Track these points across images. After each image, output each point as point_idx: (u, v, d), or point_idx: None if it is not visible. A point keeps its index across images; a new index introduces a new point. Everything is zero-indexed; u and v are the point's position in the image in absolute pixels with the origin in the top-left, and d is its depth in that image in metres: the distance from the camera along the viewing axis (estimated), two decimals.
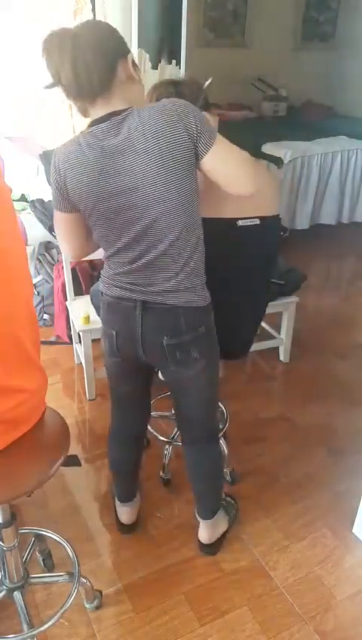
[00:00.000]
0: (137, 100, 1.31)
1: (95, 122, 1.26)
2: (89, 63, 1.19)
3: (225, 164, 1.29)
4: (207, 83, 1.56)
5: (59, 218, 1.41)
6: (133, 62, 1.28)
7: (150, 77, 3.00)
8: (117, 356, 1.52)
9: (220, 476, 1.78)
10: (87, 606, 1.63)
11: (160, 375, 1.71)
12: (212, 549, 1.80)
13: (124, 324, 1.43)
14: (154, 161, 1.21)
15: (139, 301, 1.38)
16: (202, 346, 1.44)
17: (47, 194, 3.50)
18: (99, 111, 1.26)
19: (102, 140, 1.24)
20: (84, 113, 1.30)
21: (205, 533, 1.79)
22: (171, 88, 1.56)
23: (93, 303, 2.21)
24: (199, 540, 1.81)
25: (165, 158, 1.21)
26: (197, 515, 1.78)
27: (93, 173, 1.25)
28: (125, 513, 1.85)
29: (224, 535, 1.84)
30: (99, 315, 2.19)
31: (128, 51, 1.28)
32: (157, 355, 1.44)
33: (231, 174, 1.30)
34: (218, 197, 1.39)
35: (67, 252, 1.49)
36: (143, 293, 1.37)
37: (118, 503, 1.87)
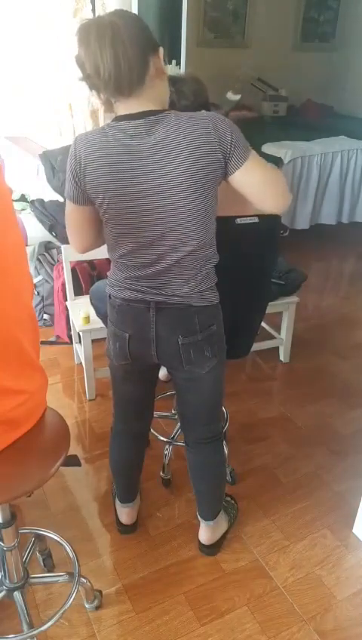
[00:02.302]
0: (164, 97, 1.28)
1: (125, 117, 1.22)
2: (130, 56, 1.16)
3: (258, 181, 1.28)
4: (237, 98, 1.54)
5: (72, 210, 1.36)
6: (163, 56, 1.25)
7: None
8: (127, 359, 1.48)
9: (224, 477, 1.78)
10: (87, 606, 1.63)
11: (160, 375, 1.71)
12: (212, 549, 1.80)
13: (137, 326, 1.41)
14: (183, 170, 1.19)
15: (153, 302, 1.36)
16: (214, 345, 1.44)
17: (47, 194, 3.50)
18: (131, 107, 1.22)
19: (132, 137, 1.20)
20: (109, 107, 1.26)
21: (206, 534, 1.79)
22: (171, 86, 1.55)
23: (92, 303, 2.21)
24: (199, 541, 1.81)
25: (195, 169, 1.20)
26: (198, 516, 1.78)
27: (116, 169, 1.21)
28: (125, 513, 1.85)
29: (224, 535, 1.84)
30: (98, 316, 2.20)
31: (159, 45, 1.24)
32: (171, 355, 1.43)
33: (263, 191, 1.30)
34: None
35: (74, 245, 1.45)
36: (156, 294, 1.36)
37: (118, 503, 1.86)
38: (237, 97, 1.54)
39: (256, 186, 1.29)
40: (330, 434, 2.38)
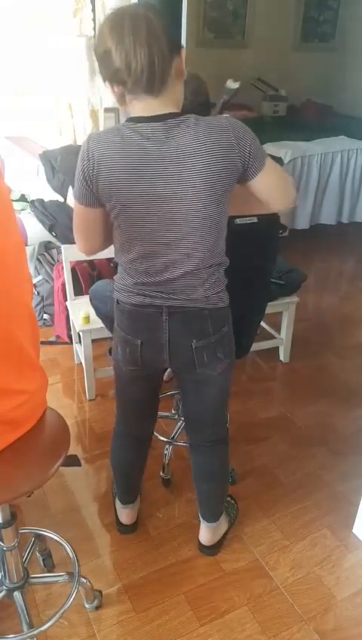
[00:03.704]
0: (180, 99, 1.25)
1: (144, 119, 1.17)
2: (165, 55, 1.12)
3: (272, 186, 1.30)
4: (236, 86, 1.51)
5: (80, 212, 1.30)
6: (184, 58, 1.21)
7: None
8: (137, 365, 1.46)
9: (227, 478, 1.78)
10: (87, 606, 1.63)
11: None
12: (212, 549, 1.80)
13: (150, 332, 1.38)
14: (200, 176, 1.17)
15: (165, 307, 1.34)
16: (225, 346, 1.44)
17: (47, 194, 3.50)
18: (151, 107, 1.17)
19: (149, 139, 1.16)
20: (122, 102, 1.20)
21: (207, 535, 1.79)
22: None
23: (92, 303, 2.21)
24: (199, 541, 1.81)
25: (212, 176, 1.18)
26: (199, 517, 1.77)
27: (132, 172, 1.17)
28: (125, 514, 1.85)
29: (224, 535, 1.84)
30: (98, 316, 2.20)
31: (182, 46, 1.20)
32: (184, 359, 1.41)
33: (276, 194, 1.33)
34: None
35: (81, 248, 1.40)
36: (167, 299, 1.34)
37: (118, 504, 1.86)
38: (236, 85, 1.52)
39: (271, 190, 1.31)
40: (330, 434, 2.38)
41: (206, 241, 1.27)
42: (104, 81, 1.20)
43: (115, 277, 1.44)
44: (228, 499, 1.94)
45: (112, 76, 1.16)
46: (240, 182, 1.26)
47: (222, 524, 1.82)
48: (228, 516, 1.88)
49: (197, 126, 1.17)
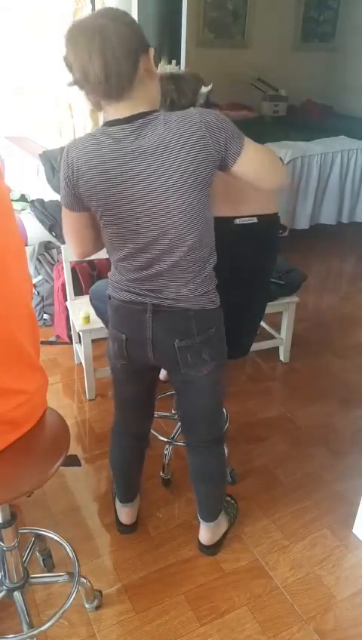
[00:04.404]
0: (155, 97, 1.26)
1: (115, 122, 1.20)
2: (120, 61, 1.13)
3: (257, 165, 1.29)
4: (207, 89, 1.54)
5: (68, 216, 1.35)
6: (153, 57, 1.22)
7: None
8: (125, 360, 1.49)
9: (224, 478, 1.78)
10: (87, 606, 1.63)
11: (160, 376, 1.70)
12: (212, 549, 1.80)
13: (134, 327, 1.41)
14: (174, 169, 1.18)
15: (150, 304, 1.36)
16: (213, 348, 1.43)
17: (47, 194, 3.50)
18: (120, 110, 1.20)
19: (121, 141, 1.19)
20: (99, 108, 1.24)
21: (206, 535, 1.79)
22: (171, 84, 1.54)
23: (92, 303, 2.21)
24: (199, 541, 1.81)
25: (187, 170, 1.18)
26: (198, 517, 1.78)
27: (107, 175, 1.20)
28: (125, 513, 1.85)
29: (224, 535, 1.84)
30: (98, 316, 2.20)
31: (149, 45, 1.21)
32: (168, 357, 1.43)
33: (263, 173, 1.31)
34: (214, 196, 1.39)
35: (73, 251, 1.45)
36: (154, 297, 1.36)
37: (118, 503, 1.86)
38: (207, 88, 1.52)
39: (257, 169, 1.30)
40: (330, 434, 2.38)
41: (187, 235, 1.27)
42: (80, 90, 1.23)
43: (108, 274, 1.46)
44: (228, 499, 1.94)
45: (79, 86, 1.20)
46: (222, 169, 1.26)
47: (222, 524, 1.82)
48: (228, 516, 1.88)
49: (166, 122, 1.18)
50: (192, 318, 1.37)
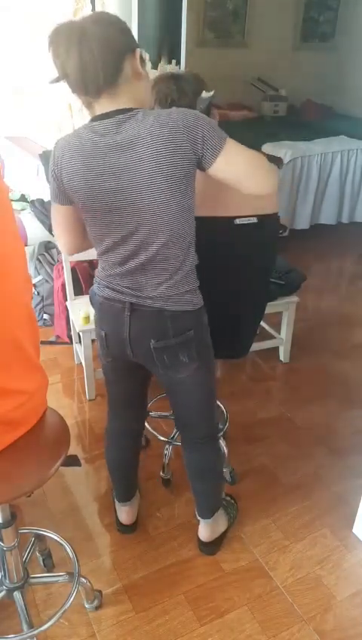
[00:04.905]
0: (143, 97, 1.29)
1: (98, 117, 1.24)
2: (96, 58, 1.16)
3: (237, 168, 1.26)
4: (209, 95, 1.53)
5: (55, 210, 1.40)
6: (141, 57, 1.25)
7: (150, 77, 3.00)
8: (108, 356, 1.53)
9: (218, 476, 1.78)
10: (87, 606, 1.63)
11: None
12: (211, 548, 1.80)
13: (113, 325, 1.43)
14: (151, 166, 1.20)
15: (128, 303, 1.38)
16: (191, 350, 1.42)
17: (47, 194, 3.50)
18: (104, 107, 1.23)
19: (103, 135, 1.22)
20: (89, 107, 1.28)
21: (205, 531, 1.79)
22: (171, 84, 1.54)
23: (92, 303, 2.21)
24: (199, 539, 1.81)
25: (163, 165, 1.20)
26: (196, 514, 1.78)
27: (87, 168, 1.24)
28: (125, 513, 1.85)
29: (224, 535, 1.84)
30: None
31: (136, 46, 1.24)
32: (146, 357, 1.44)
33: (243, 175, 1.27)
34: (214, 196, 1.39)
35: (61, 246, 1.48)
36: (133, 296, 1.37)
37: (117, 502, 1.86)
38: (210, 94, 1.52)
39: (236, 174, 1.26)
40: (330, 434, 2.38)
41: (161, 230, 1.27)
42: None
43: (95, 271, 1.49)
44: (228, 498, 1.94)
45: (67, 85, 1.24)
46: (201, 168, 1.26)
47: (221, 522, 1.82)
48: (228, 515, 1.88)
49: (145, 119, 1.21)
50: (168, 319, 1.37)
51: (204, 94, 1.52)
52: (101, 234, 1.33)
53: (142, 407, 1.75)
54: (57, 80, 1.24)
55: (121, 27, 1.23)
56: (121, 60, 1.20)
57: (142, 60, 1.26)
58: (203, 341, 1.46)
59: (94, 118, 1.25)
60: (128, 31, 1.24)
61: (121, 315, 1.40)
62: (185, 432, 1.66)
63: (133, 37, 1.25)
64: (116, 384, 1.65)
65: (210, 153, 1.22)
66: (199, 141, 1.20)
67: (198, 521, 1.79)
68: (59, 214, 1.40)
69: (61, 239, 1.46)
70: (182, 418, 1.62)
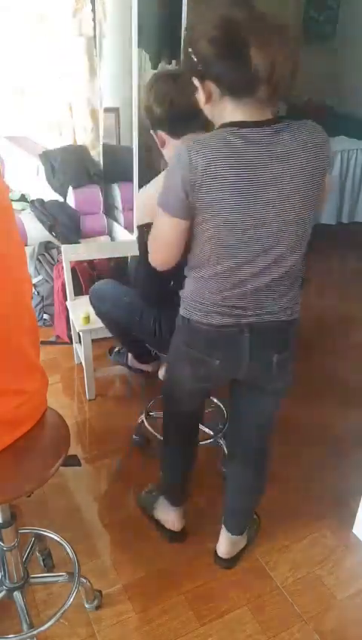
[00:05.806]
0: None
1: (249, 124, 1.13)
2: (297, 63, 1.08)
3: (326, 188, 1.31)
4: None
5: (170, 224, 1.21)
6: None
7: (150, 77, 3.00)
8: (209, 381, 1.47)
9: (263, 491, 1.72)
10: (87, 606, 1.63)
11: (159, 375, 1.70)
12: (230, 563, 1.76)
13: (230, 351, 1.34)
14: (303, 179, 1.16)
15: (245, 324, 1.29)
16: (292, 357, 1.42)
17: (47, 194, 3.50)
18: (253, 111, 1.13)
19: (257, 143, 1.12)
20: (210, 101, 1.16)
21: (227, 547, 1.73)
22: (171, 83, 1.53)
23: (92, 303, 2.21)
24: (216, 553, 1.76)
25: (311, 179, 1.17)
26: (224, 529, 1.72)
27: (241, 178, 1.11)
28: (178, 518, 1.81)
29: (243, 550, 1.79)
30: (98, 315, 2.20)
31: None
32: (261, 374, 1.40)
33: (326, 196, 1.37)
34: None
35: (160, 261, 1.31)
36: (252, 315, 1.29)
37: (167, 509, 1.81)
38: None
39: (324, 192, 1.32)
40: (330, 434, 2.38)
41: (298, 248, 1.25)
42: (202, 79, 1.14)
43: (181, 292, 1.36)
44: (254, 516, 1.89)
45: (244, 79, 1.08)
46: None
47: (244, 539, 1.78)
48: (250, 531, 1.82)
49: (297, 130, 1.16)
50: (288, 330, 1.35)
51: None
52: (229, 253, 1.20)
53: (202, 414, 1.74)
54: (252, 78, 1.07)
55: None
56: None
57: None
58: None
59: (240, 124, 1.12)
60: None
61: (238, 338, 1.31)
62: (246, 446, 1.62)
63: None
64: (192, 403, 1.60)
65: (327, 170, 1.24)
66: (328, 157, 1.21)
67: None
68: (174, 230, 1.22)
69: (163, 254, 1.30)
70: (251, 431, 1.58)
